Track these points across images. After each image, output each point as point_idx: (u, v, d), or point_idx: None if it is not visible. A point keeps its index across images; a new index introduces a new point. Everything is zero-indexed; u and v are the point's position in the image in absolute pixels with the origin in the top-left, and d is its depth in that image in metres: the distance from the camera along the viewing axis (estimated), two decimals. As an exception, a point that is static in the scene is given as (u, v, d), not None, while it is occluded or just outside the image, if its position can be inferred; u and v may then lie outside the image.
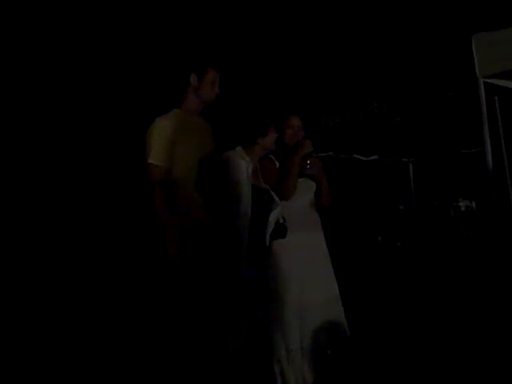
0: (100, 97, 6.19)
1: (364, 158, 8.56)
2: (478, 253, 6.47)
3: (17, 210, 5.71)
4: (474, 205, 8.61)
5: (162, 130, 3.18)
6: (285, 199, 3.44)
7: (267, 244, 3.39)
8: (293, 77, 6.64)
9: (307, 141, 3.56)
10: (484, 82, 3.77)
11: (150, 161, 3.13)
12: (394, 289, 5.75)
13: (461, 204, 8.72)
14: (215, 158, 3.33)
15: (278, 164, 3.60)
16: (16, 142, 5.81)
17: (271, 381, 3.30)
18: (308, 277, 3.39)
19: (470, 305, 4.97)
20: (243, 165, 3.33)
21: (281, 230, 3.39)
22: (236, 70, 5.09)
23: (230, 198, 3.25)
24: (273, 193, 3.43)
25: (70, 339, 4.39)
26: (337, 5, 5.92)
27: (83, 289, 5.37)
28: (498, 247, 4.20)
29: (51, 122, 6.00)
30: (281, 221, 3.41)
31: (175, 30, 5.96)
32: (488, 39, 3.77)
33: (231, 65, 3.93)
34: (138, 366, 3.69)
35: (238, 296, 3.16)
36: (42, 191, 5.85)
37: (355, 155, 8.25)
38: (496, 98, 4.16)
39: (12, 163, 5.76)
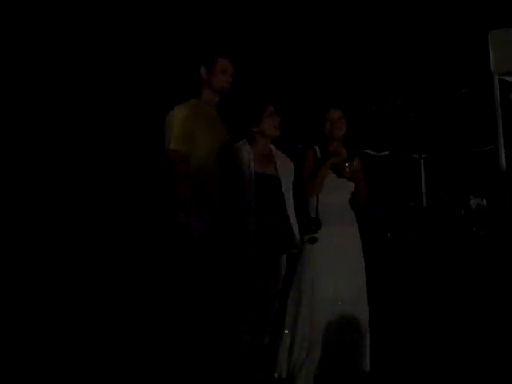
0: (120, 89, 6.25)
1: (375, 154, 8.55)
2: (489, 250, 6.44)
3: (23, 207, 5.77)
4: (485, 203, 8.58)
5: (181, 117, 3.20)
6: (307, 196, 3.44)
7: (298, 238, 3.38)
8: (306, 71, 6.62)
9: (343, 150, 3.53)
10: (499, 80, 3.74)
11: (171, 147, 3.15)
12: (405, 285, 5.73)
13: (472, 202, 8.69)
14: (225, 151, 3.35)
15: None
16: (27, 136, 5.87)
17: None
18: (339, 272, 3.37)
19: (480, 302, 4.95)
20: (245, 156, 3.35)
21: (314, 224, 3.36)
22: (248, 63, 5.08)
23: (234, 188, 3.27)
24: (283, 181, 3.42)
25: (77, 333, 4.43)
26: (351, 1, 5.90)
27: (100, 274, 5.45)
28: (509, 245, 4.18)
29: (71, 114, 6.07)
30: (313, 214, 3.40)
31: (187, 23, 5.96)
32: (504, 37, 3.75)
33: (243, 59, 3.90)
34: (148, 357, 3.71)
35: (248, 286, 3.18)
36: (59, 184, 5.93)
37: (367, 150, 8.22)
38: (511, 95, 4.13)
39: (21, 160, 5.82)
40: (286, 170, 3.50)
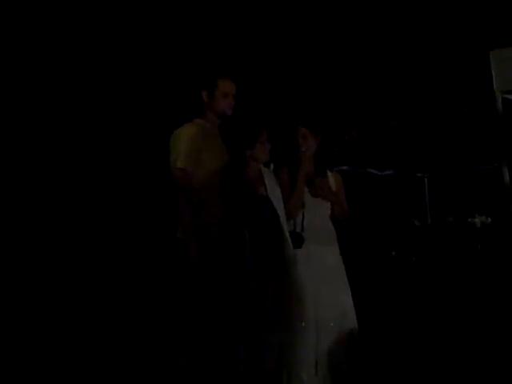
0: (125, 107, 6.30)
1: (379, 173, 8.54)
2: (494, 269, 6.40)
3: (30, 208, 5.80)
4: (490, 221, 8.53)
5: (188, 136, 3.24)
6: (290, 218, 3.44)
7: (288, 253, 3.38)
8: (309, 91, 6.65)
9: (308, 158, 3.53)
10: (502, 98, 3.75)
11: (177, 165, 3.18)
12: (409, 303, 5.70)
13: (476, 220, 8.65)
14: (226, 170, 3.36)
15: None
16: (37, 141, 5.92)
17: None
18: (322, 290, 3.37)
19: (485, 320, 4.91)
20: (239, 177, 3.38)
21: (297, 240, 3.38)
22: (251, 82, 5.10)
23: (230, 208, 3.27)
24: (273, 200, 3.42)
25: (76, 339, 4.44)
26: (354, 18, 5.93)
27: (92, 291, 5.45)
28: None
29: (80, 129, 6.13)
30: (297, 229, 3.41)
31: (190, 42, 6.02)
32: (506, 55, 3.76)
33: (245, 76, 3.93)
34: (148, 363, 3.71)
35: (243, 304, 3.17)
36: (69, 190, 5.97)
37: (370, 169, 8.23)
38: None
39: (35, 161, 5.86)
40: (275, 189, 3.50)
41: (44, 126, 6.04)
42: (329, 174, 3.67)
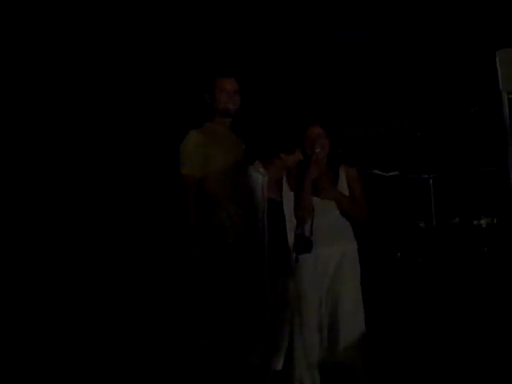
0: (137, 111, 6.34)
1: (384, 174, 8.52)
2: (500, 270, 6.38)
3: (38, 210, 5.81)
4: (495, 222, 8.52)
5: (194, 142, 3.26)
6: (300, 221, 3.42)
7: (293, 257, 3.37)
8: (315, 92, 6.63)
9: (317, 160, 3.50)
10: (508, 98, 3.72)
11: (183, 172, 3.20)
12: (415, 305, 5.68)
13: (482, 221, 8.63)
14: (240, 172, 3.36)
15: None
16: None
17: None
18: (328, 292, 3.35)
19: (491, 321, 4.89)
20: (258, 178, 3.37)
21: (306, 244, 3.36)
22: (256, 82, 5.11)
23: (248, 210, 3.28)
24: (285, 205, 3.42)
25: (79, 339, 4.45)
26: (358, 22, 5.92)
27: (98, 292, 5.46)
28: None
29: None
30: (307, 234, 3.39)
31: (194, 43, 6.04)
32: (512, 55, 3.74)
33: (253, 77, 3.93)
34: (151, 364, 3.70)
35: (259, 308, 3.17)
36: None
37: (375, 171, 8.21)
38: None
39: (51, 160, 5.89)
40: (288, 193, 3.50)
41: (55, 125, 6.07)
42: (342, 169, 3.61)
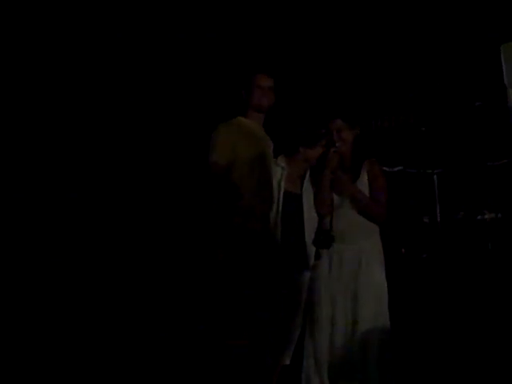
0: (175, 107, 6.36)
1: (388, 169, 8.50)
2: (505, 265, 6.36)
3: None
4: (500, 217, 8.47)
5: (222, 134, 3.40)
6: (320, 216, 3.40)
7: (311, 252, 3.37)
8: (319, 87, 6.62)
9: (335, 155, 3.47)
10: (512, 92, 3.71)
11: (211, 160, 3.32)
12: (420, 300, 5.67)
13: (487, 217, 8.59)
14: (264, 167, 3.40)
15: None
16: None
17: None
18: (341, 291, 3.32)
19: (495, 317, 4.88)
20: (278, 171, 3.43)
21: (325, 239, 3.33)
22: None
23: (265, 202, 3.31)
24: (305, 199, 3.43)
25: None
26: (363, 16, 5.90)
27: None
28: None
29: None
30: (326, 229, 3.37)
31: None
32: (517, 49, 3.72)
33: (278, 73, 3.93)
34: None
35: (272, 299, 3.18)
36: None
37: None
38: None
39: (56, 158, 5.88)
40: (309, 188, 3.51)
41: (67, 126, 6.06)
42: (365, 165, 3.56)
